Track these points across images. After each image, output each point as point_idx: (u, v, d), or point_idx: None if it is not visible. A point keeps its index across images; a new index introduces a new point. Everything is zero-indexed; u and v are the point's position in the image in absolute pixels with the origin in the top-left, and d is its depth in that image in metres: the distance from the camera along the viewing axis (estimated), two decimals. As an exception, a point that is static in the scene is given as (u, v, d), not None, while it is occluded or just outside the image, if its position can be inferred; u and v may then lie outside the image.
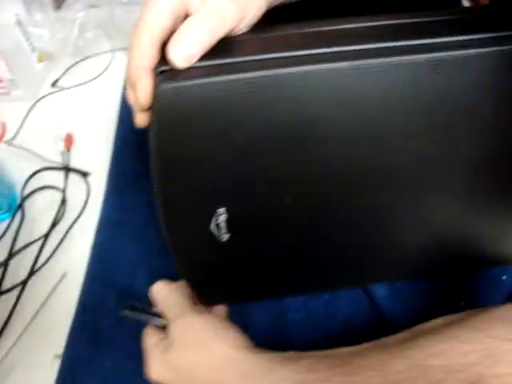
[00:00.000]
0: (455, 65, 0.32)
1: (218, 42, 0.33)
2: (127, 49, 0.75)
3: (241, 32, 0.36)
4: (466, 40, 0.33)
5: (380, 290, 0.48)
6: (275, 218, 0.38)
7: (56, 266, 0.54)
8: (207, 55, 0.32)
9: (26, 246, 0.55)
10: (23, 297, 0.51)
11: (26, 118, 0.69)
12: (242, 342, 0.39)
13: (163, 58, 0.32)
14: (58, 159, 0.63)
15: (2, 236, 0.56)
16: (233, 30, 0.34)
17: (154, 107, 0.32)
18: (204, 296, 0.44)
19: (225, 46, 0.33)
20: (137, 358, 0.46)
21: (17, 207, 0.58)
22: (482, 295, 0.49)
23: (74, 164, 0.63)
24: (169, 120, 0.32)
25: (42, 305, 0.51)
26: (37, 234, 0.56)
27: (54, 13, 0.73)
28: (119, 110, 0.68)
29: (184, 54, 0.31)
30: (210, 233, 0.38)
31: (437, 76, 0.32)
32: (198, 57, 0.32)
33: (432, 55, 0.32)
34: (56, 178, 0.62)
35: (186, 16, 0.33)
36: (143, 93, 0.33)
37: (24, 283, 0.52)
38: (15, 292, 0.51)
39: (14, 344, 0.48)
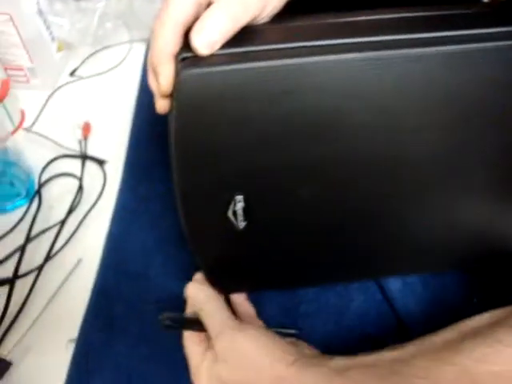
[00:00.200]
0: (472, 58, 0.32)
1: (240, 30, 0.33)
2: (146, 39, 0.76)
3: (262, 21, 0.36)
4: (483, 33, 0.33)
5: (393, 283, 0.48)
6: (291, 208, 0.39)
7: (72, 252, 0.55)
8: (229, 43, 0.32)
9: (43, 231, 0.56)
10: (39, 282, 0.52)
11: (44, 106, 0.69)
12: (290, 355, 0.38)
13: (186, 45, 0.32)
14: (75, 147, 0.64)
15: (20, 222, 0.57)
16: (255, 18, 0.34)
17: (176, 93, 0.32)
18: (220, 284, 0.44)
19: (247, 35, 0.33)
20: (149, 344, 0.47)
21: (34, 194, 0.59)
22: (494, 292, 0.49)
23: (90, 152, 0.63)
24: (189, 106, 0.32)
25: (58, 290, 0.52)
26: (53, 221, 0.57)
27: (74, 2, 0.73)
28: (136, 100, 0.69)
29: (207, 41, 0.31)
30: (227, 220, 0.38)
31: (454, 69, 0.33)
32: (220, 44, 0.32)
33: (450, 48, 0.32)
34: (73, 165, 0.62)
35: (209, 3, 0.33)
36: (165, 79, 0.33)
37: (40, 268, 0.52)
38: (31, 277, 0.52)
39: (30, 328, 0.49)
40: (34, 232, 0.56)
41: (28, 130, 0.66)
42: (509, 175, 0.39)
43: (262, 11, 0.35)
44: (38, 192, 0.59)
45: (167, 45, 0.33)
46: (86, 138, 0.64)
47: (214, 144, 0.34)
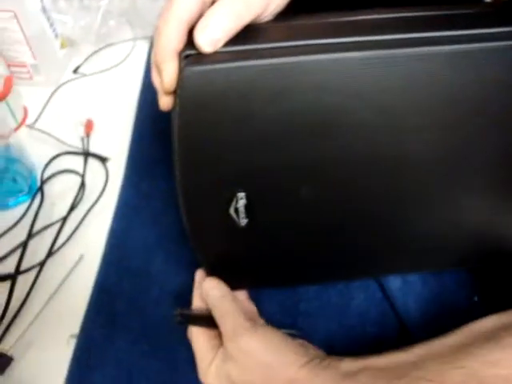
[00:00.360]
0: (474, 58, 0.32)
1: (244, 28, 0.33)
2: (149, 37, 0.77)
3: (266, 20, 0.36)
4: (485, 33, 0.33)
5: (393, 282, 0.49)
6: (292, 206, 0.39)
7: (73, 249, 0.55)
8: (232, 41, 0.33)
9: (45, 228, 0.56)
10: (41, 277, 0.52)
11: (47, 102, 0.70)
12: (302, 357, 0.38)
13: (190, 42, 0.33)
14: (77, 144, 0.64)
15: (22, 218, 0.57)
16: (258, 17, 0.35)
17: (179, 90, 0.33)
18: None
19: (250, 33, 0.34)
20: (150, 340, 0.47)
21: (37, 190, 0.59)
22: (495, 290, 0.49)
23: (93, 149, 0.64)
24: (192, 103, 0.33)
25: (59, 286, 0.52)
26: (55, 217, 0.57)
27: (78, 0, 0.74)
28: (139, 98, 0.69)
29: (210, 39, 0.31)
30: (229, 217, 0.38)
31: (456, 68, 0.33)
32: (223, 42, 0.32)
33: (452, 47, 0.32)
34: (75, 162, 0.62)
35: (213, 1, 0.33)
36: (168, 76, 0.34)
37: (42, 264, 0.53)
38: (33, 272, 0.52)
39: (31, 323, 0.49)
40: (36, 228, 0.56)
41: (31, 126, 0.66)
42: (509, 175, 0.39)
43: (265, 10, 0.35)
44: (41, 188, 0.59)
45: (171, 42, 0.33)
46: (88, 135, 0.64)
47: (217, 141, 0.34)
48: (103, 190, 0.59)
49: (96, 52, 0.76)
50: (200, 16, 0.33)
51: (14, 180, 0.59)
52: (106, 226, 0.56)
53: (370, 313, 0.48)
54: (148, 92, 0.69)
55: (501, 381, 0.32)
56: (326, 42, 0.33)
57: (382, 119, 0.34)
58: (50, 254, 0.54)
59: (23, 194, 0.59)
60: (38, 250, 0.55)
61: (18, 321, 0.49)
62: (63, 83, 0.73)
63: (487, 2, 0.50)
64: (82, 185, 0.60)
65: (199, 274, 0.46)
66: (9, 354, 0.47)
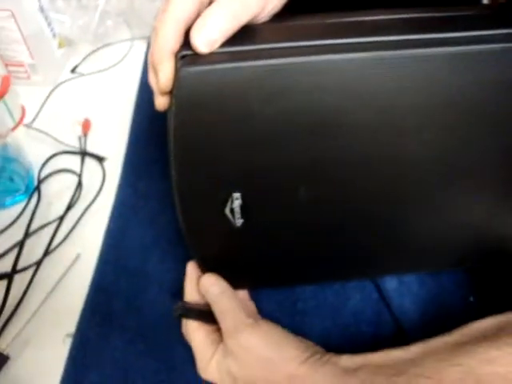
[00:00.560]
0: (474, 59, 0.32)
1: (241, 29, 0.33)
2: (147, 37, 0.77)
3: (262, 20, 0.36)
4: (484, 35, 0.33)
5: (389, 282, 0.49)
6: (289, 207, 0.39)
7: (70, 248, 0.55)
8: (229, 41, 0.33)
9: (42, 227, 0.56)
10: (37, 277, 0.52)
11: (45, 102, 0.70)
12: (302, 353, 0.38)
13: (186, 43, 0.33)
14: (75, 143, 0.64)
15: (19, 217, 0.57)
16: (255, 17, 0.35)
17: (175, 90, 0.33)
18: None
19: (247, 34, 0.34)
20: (146, 340, 0.47)
21: (33, 189, 0.59)
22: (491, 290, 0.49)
23: (90, 149, 0.64)
24: (188, 104, 0.33)
25: (56, 285, 0.52)
26: (52, 216, 0.57)
27: (76, 0, 0.74)
28: (136, 98, 0.69)
29: (207, 40, 0.32)
30: (225, 217, 0.38)
31: (455, 70, 0.33)
32: (220, 43, 0.32)
33: (451, 49, 0.32)
34: (72, 161, 0.62)
35: (210, 2, 0.33)
36: (164, 76, 0.34)
37: (38, 263, 0.53)
38: (30, 271, 0.52)
39: (27, 322, 0.49)
40: (32, 227, 0.56)
41: (28, 126, 0.66)
42: (509, 176, 0.39)
43: (263, 10, 0.35)
44: (38, 188, 0.59)
45: (168, 42, 0.33)
46: (85, 134, 0.65)
47: (213, 141, 0.34)
48: (100, 189, 0.60)
49: (94, 52, 0.76)
50: (197, 16, 0.33)
51: (11, 179, 0.59)
52: (102, 226, 0.56)
53: (365, 313, 0.49)
54: (145, 92, 0.69)
55: (498, 378, 0.33)
56: (324, 43, 0.33)
57: (381, 120, 0.34)
58: (46, 253, 0.54)
59: (20, 193, 0.59)
60: (34, 249, 0.55)
61: (14, 320, 0.49)
62: (61, 83, 0.73)
63: (485, 4, 0.51)
64: (79, 184, 0.60)
65: (190, 266, 0.46)
66: (5, 352, 0.47)
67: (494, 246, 0.44)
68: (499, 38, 0.33)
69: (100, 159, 0.62)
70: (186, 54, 0.32)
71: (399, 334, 0.46)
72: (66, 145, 0.64)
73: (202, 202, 0.38)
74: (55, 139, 0.64)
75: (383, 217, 0.40)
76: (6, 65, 0.70)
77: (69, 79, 0.73)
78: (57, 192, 0.60)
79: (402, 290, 0.49)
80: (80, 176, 0.61)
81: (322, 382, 0.37)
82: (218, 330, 0.42)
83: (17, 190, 0.59)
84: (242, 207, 0.38)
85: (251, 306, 0.46)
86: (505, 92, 0.34)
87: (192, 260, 0.46)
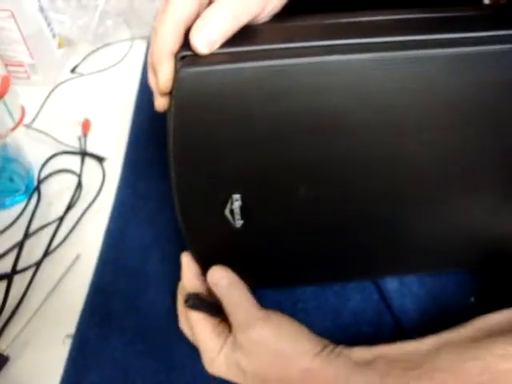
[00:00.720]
0: (474, 60, 0.32)
1: (240, 29, 0.33)
2: (147, 37, 0.76)
3: (262, 21, 0.36)
4: (486, 36, 0.33)
5: (389, 283, 0.48)
6: (289, 207, 0.39)
7: (70, 249, 0.55)
8: (229, 42, 0.33)
9: (41, 227, 0.56)
10: (37, 277, 0.52)
11: (44, 102, 0.70)
12: (315, 346, 0.38)
13: (186, 44, 0.32)
14: (74, 144, 0.64)
15: (18, 217, 0.57)
16: (255, 17, 0.35)
17: (174, 91, 0.32)
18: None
19: (247, 34, 0.34)
20: (146, 340, 0.47)
21: (33, 189, 0.59)
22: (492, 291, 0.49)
23: (90, 149, 0.64)
24: (188, 105, 0.32)
25: (55, 286, 0.52)
26: (52, 217, 0.57)
27: (76, 0, 0.74)
28: (136, 98, 0.69)
29: (206, 40, 0.31)
30: (225, 218, 0.38)
31: (455, 71, 0.33)
32: (219, 43, 0.32)
33: (451, 50, 0.32)
34: (72, 162, 0.62)
35: (210, 2, 0.33)
36: (164, 77, 0.34)
37: (38, 264, 0.53)
38: (29, 272, 0.52)
39: (27, 323, 0.49)
40: (32, 228, 0.56)
41: (28, 126, 0.66)
42: (509, 176, 0.39)
43: (263, 10, 0.35)
44: (37, 188, 0.59)
45: (167, 43, 0.33)
46: (85, 134, 0.64)
47: (212, 142, 0.34)
48: (100, 189, 0.59)
49: (93, 52, 0.76)
50: (197, 17, 0.33)
51: (11, 179, 0.59)
52: (102, 226, 0.56)
53: (366, 313, 0.48)
54: (145, 92, 0.68)
55: None
56: (323, 44, 0.32)
57: (382, 120, 0.34)
58: (46, 253, 0.54)
59: (20, 193, 0.59)
60: (34, 249, 0.55)
61: (14, 320, 0.49)
62: (61, 83, 0.73)
63: (486, 4, 0.51)
64: (79, 184, 0.60)
65: (186, 257, 0.44)
66: (5, 353, 0.47)
67: (494, 246, 0.44)
68: (500, 39, 0.32)
69: (100, 159, 0.62)
70: (186, 54, 0.32)
71: (400, 334, 0.46)
72: (66, 145, 0.64)
73: (202, 203, 0.38)
74: (55, 139, 0.64)
75: (384, 217, 0.40)
76: (6, 65, 0.70)
77: (68, 79, 0.73)
78: (57, 192, 0.60)
79: (403, 290, 0.49)
80: (80, 176, 0.61)
81: (335, 375, 0.37)
82: (222, 322, 0.41)
83: (17, 191, 0.59)
84: (242, 208, 0.38)
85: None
86: (505, 93, 0.34)
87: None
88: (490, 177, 0.39)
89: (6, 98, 0.62)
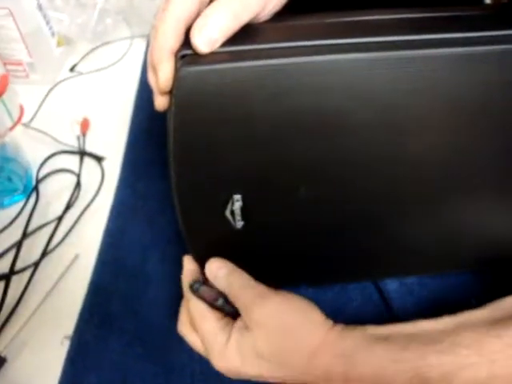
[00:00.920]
0: (477, 60, 0.32)
1: (241, 28, 0.33)
2: (146, 35, 0.76)
3: (263, 19, 0.36)
4: (488, 36, 0.32)
5: (390, 284, 0.48)
6: (290, 208, 0.38)
7: (68, 249, 0.54)
8: (230, 41, 0.32)
9: (40, 227, 0.56)
10: (35, 277, 0.52)
11: (43, 101, 0.69)
12: (328, 320, 0.38)
13: (186, 42, 0.32)
14: (73, 143, 0.63)
15: (17, 217, 0.57)
16: (256, 16, 0.34)
17: (174, 91, 0.32)
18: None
19: (247, 33, 0.33)
20: (145, 343, 0.47)
21: (32, 189, 0.59)
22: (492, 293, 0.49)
23: (89, 148, 0.63)
24: (188, 104, 0.32)
25: (54, 286, 0.51)
26: (50, 216, 0.57)
27: (75, -2, 0.74)
28: (136, 97, 0.69)
29: (207, 39, 0.31)
30: (225, 219, 0.38)
31: (458, 71, 0.32)
32: (220, 42, 0.32)
33: (454, 50, 0.32)
34: (71, 161, 0.62)
35: (211, 0, 0.33)
36: (164, 76, 0.33)
37: (36, 264, 0.52)
38: (27, 273, 0.52)
39: (25, 324, 0.49)
40: (31, 228, 0.55)
41: (27, 125, 0.65)
42: (510, 177, 0.39)
43: (263, 9, 0.35)
44: (36, 187, 0.59)
45: (168, 41, 0.33)
46: (84, 134, 0.64)
47: (213, 142, 0.34)
48: (99, 189, 0.59)
49: (93, 50, 0.76)
50: (197, 16, 0.32)
51: (9, 179, 0.59)
52: (101, 226, 0.56)
53: (366, 314, 0.48)
54: (145, 91, 0.68)
55: None
56: (325, 43, 0.32)
57: (383, 120, 0.34)
58: (44, 253, 0.53)
59: (18, 193, 0.59)
60: (32, 249, 0.54)
61: (11, 321, 0.49)
62: (59, 82, 0.72)
63: (487, 4, 0.50)
64: (78, 184, 0.59)
65: (188, 261, 0.44)
66: (2, 355, 0.46)
67: (495, 248, 0.44)
68: (503, 39, 0.32)
69: (99, 159, 0.62)
70: (186, 53, 0.32)
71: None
72: (65, 144, 0.63)
73: (202, 204, 0.38)
74: (54, 139, 0.63)
75: (384, 218, 0.40)
76: (5, 63, 0.69)
77: (67, 78, 0.73)
78: (55, 192, 0.60)
79: (403, 291, 0.48)
80: (78, 176, 0.60)
81: (354, 347, 0.36)
82: (225, 316, 0.41)
83: (15, 190, 0.59)
84: (243, 209, 0.37)
85: None
86: (508, 93, 0.34)
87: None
88: (491, 178, 0.38)
89: (5, 96, 0.62)
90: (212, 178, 0.36)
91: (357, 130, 0.34)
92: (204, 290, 0.41)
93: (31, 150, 0.62)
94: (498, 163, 0.37)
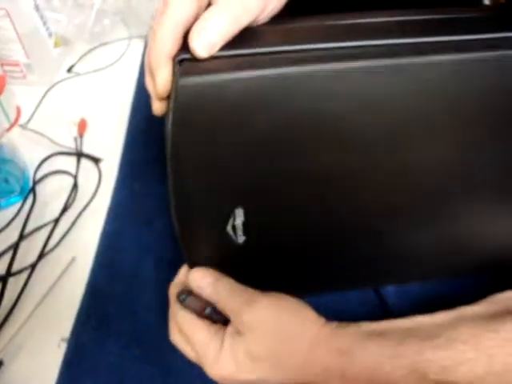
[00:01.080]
0: (476, 65, 0.32)
1: (240, 31, 0.33)
2: (144, 36, 0.76)
3: (263, 21, 0.35)
4: (489, 39, 0.32)
5: (388, 286, 0.48)
6: (292, 222, 0.38)
7: (65, 251, 0.54)
8: (229, 45, 0.32)
9: (37, 229, 0.56)
10: (32, 280, 0.51)
11: (40, 102, 0.69)
12: (320, 317, 0.38)
13: (185, 46, 0.32)
14: (70, 144, 0.63)
15: (13, 219, 0.56)
16: (255, 19, 0.34)
17: (172, 100, 0.31)
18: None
19: (246, 36, 0.33)
20: (142, 345, 0.47)
21: (29, 191, 0.58)
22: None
23: (86, 150, 0.63)
24: (187, 116, 0.31)
25: (51, 288, 0.51)
26: (47, 218, 0.57)
27: (72, -2, 0.73)
28: (133, 98, 0.68)
29: (206, 44, 0.31)
30: (226, 234, 0.37)
31: (459, 77, 0.32)
32: (219, 46, 0.31)
33: (455, 56, 0.31)
34: (68, 163, 0.62)
35: (209, 4, 0.33)
36: (162, 81, 0.33)
37: (33, 266, 0.52)
38: (24, 275, 0.51)
39: (22, 326, 0.48)
40: (27, 229, 0.55)
41: (24, 126, 0.65)
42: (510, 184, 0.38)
43: (262, 12, 0.34)
44: (33, 189, 0.58)
45: (165, 46, 0.32)
46: (81, 135, 0.64)
47: (210, 152, 0.33)
48: (96, 191, 0.59)
49: (90, 51, 0.76)
50: (196, 19, 0.32)
51: (6, 180, 0.59)
52: (98, 228, 0.55)
53: (365, 316, 0.48)
54: (142, 92, 0.68)
55: None
56: (325, 46, 0.31)
57: (385, 128, 0.33)
58: (41, 255, 0.53)
59: (15, 194, 0.58)
60: (29, 251, 0.54)
61: (8, 324, 0.49)
62: (57, 82, 0.72)
63: (486, 5, 0.50)
64: (75, 186, 0.59)
65: (182, 271, 0.44)
66: (-1, 357, 0.46)
67: (495, 256, 0.44)
68: (503, 43, 0.32)
69: (96, 160, 0.62)
70: (185, 57, 0.31)
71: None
72: (62, 146, 0.63)
73: (202, 219, 0.37)
74: (51, 140, 0.63)
75: (384, 227, 0.40)
76: (2, 64, 0.69)
77: (65, 79, 0.73)
78: (52, 193, 0.59)
79: (402, 292, 0.48)
80: (76, 177, 0.60)
81: (348, 344, 0.36)
82: (214, 323, 0.40)
83: (12, 192, 0.58)
84: (245, 224, 0.37)
85: None
86: (508, 99, 0.33)
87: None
88: (491, 185, 0.38)
89: (2, 97, 0.62)
90: (213, 193, 0.35)
91: (358, 138, 0.34)
92: (191, 300, 0.41)
93: (28, 152, 0.62)
94: (498, 171, 0.37)
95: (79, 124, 0.64)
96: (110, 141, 0.64)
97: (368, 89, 0.32)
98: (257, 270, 0.41)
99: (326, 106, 0.32)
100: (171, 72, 0.32)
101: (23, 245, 0.54)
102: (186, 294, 0.41)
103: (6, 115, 0.64)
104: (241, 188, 0.35)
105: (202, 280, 0.40)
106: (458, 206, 0.39)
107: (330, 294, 0.49)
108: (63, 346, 0.47)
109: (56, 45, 0.72)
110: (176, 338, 0.41)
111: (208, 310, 0.40)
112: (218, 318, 0.40)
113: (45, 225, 0.56)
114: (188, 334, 0.40)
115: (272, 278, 0.42)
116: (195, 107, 0.31)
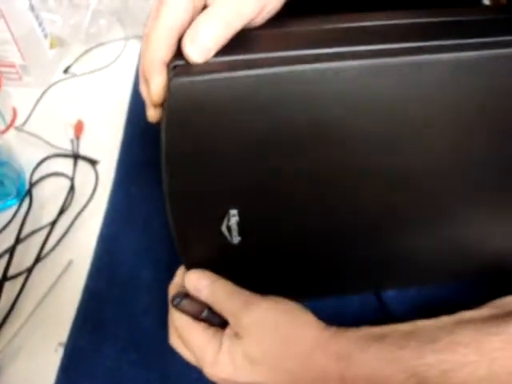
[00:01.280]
0: (478, 65, 0.31)
1: (235, 35, 0.32)
2: (140, 37, 0.76)
3: (261, 21, 0.35)
4: (489, 41, 0.32)
5: (388, 290, 0.48)
6: (288, 223, 0.38)
7: (62, 254, 0.54)
8: (223, 50, 0.31)
9: (33, 232, 0.55)
10: (28, 284, 0.51)
11: (36, 104, 0.69)
12: (319, 321, 0.38)
13: (179, 52, 0.31)
14: (67, 146, 0.63)
15: (10, 222, 0.56)
16: (251, 21, 0.33)
17: (166, 103, 0.31)
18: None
19: (242, 41, 0.32)
20: (139, 349, 0.47)
21: (25, 193, 0.58)
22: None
23: (83, 152, 0.63)
24: (180, 116, 0.31)
25: (47, 292, 0.51)
26: (44, 221, 0.56)
27: (68, -2, 0.73)
28: (130, 99, 0.68)
29: (200, 49, 0.30)
30: (221, 235, 0.37)
31: (458, 77, 0.32)
32: (214, 51, 0.31)
33: (455, 55, 0.31)
34: (65, 165, 0.61)
35: (204, 7, 0.32)
36: (156, 88, 0.32)
37: (30, 270, 0.52)
38: (21, 279, 0.51)
39: (19, 331, 0.48)
40: (24, 233, 0.55)
41: (20, 128, 0.65)
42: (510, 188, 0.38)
43: (260, 13, 0.34)
44: (29, 192, 0.58)
45: (159, 52, 0.32)
46: (78, 137, 0.64)
47: (205, 155, 0.33)
48: (93, 193, 0.59)
49: (86, 52, 0.75)
50: (190, 24, 0.32)
51: (2, 183, 0.58)
52: (95, 231, 0.55)
53: (365, 319, 0.48)
54: (139, 94, 0.67)
55: None
56: (320, 52, 0.31)
57: (383, 129, 0.33)
58: (38, 259, 0.53)
59: (11, 197, 0.58)
60: (25, 255, 0.54)
61: (5, 328, 0.48)
62: (53, 84, 0.72)
63: (486, 6, 0.50)
64: (72, 188, 0.59)
65: (179, 273, 0.43)
66: (-4, 362, 0.46)
67: (496, 260, 0.44)
68: (504, 44, 0.32)
69: (93, 162, 0.61)
70: (178, 64, 0.31)
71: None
72: (58, 148, 0.63)
73: (197, 220, 0.37)
74: (47, 142, 0.63)
75: (385, 231, 0.39)
76: (-3, 66, 0.68)
77: (61, 80, 0.72)
78: (49, 196, 0.59)
79: (401, 295, 0.48)
80: (72, 180, 0.60)
81: (347, 348, 0.36)
82: (211, 326, 0.40)
83: (8, 195, 0.58)
84: (240, 224, 0.36)
85: None
86: (508, 98, 0.33)
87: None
88: (491, 186, 0.38)
89: (-3, 99, 0.62)
90: (207, 194, 0.35)
91: (355, 139, 0.33)
92: (186, 303, 0.40)
93: (24, 154, 0.61)
94: (498, 173, 0.37)
95: (76, 126, 0.64)
96: (106, 142, 0.64)
97: (366, 88, 0.31)
98: (254, 272, 0.41)
99: (322, 106, 0.32)
100: (165, 78, 0.32)
101: (19, 248, 0.54)
102: (181, 297, 0.41)
103: (2, 117, 0.64)
104: (234, 188, 0.35)
105: (198, 282, 0.40)
106: (458, 207, 0.39)
107: (329, 298, 0.49)
108: (60, 351, 0.47)
109: (52, 46, 0.72)
110: (175, 341, 0.41)
111: (205, 313, 0.40)
112: (215, 320, 0.40)
113: (41, 228, 0.56)
114: (185, 337, 0.40)
115: (270, 281, 0.42)
116: (188, 107, 0.31)
